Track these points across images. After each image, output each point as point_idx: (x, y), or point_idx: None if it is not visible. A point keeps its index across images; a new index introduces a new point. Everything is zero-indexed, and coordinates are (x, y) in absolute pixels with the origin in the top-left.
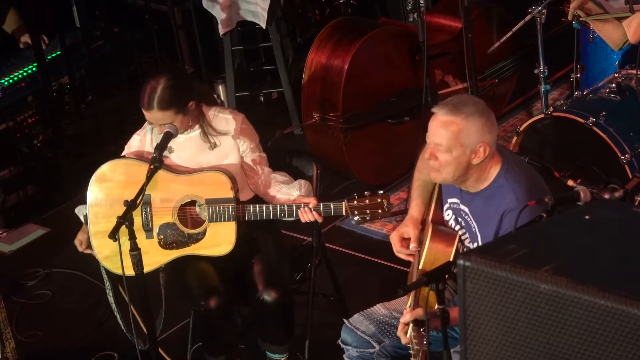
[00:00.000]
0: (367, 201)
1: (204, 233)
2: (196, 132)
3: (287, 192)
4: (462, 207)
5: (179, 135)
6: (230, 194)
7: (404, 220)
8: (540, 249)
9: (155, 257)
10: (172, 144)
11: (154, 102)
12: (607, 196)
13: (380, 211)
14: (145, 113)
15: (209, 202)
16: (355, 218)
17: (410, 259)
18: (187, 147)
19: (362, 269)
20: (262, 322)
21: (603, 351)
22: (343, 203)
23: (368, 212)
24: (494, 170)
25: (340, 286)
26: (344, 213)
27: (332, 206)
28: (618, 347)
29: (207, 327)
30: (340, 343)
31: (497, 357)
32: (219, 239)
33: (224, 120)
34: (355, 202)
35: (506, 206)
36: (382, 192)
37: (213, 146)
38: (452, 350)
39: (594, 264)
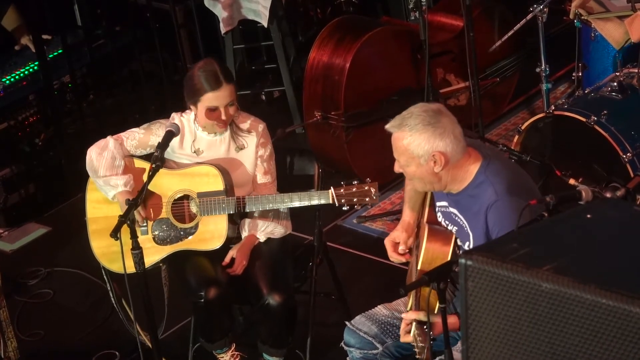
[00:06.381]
0: (354, 188)
1: (196, 227)
2: (226, 133)
3: (254, 224)
4: (450, 209)
5: (211, 135)
6: (220, 187)
7: (397, 225)
8: (542, 247)
9: (150, 253)
10: (201, 144)
11: (222, 77)
12: (608, 195)
13: (368, 199)
14: (215, 94)
15: (200, 195)
16: (344, 208)
17: (404, 259)
18: (216, 147)
19: (363, 267)
20: (264, 325)
21: (605, 350)
22: (329, 190)
23: (355, 199)
24: (474, 169)
25: (342, 285)
26: (330, 201)
27: (318, 194)
28: (620, 345)
29: (206, 317)
30: (343, 345)
31: (498, 356)
32: (211, 233)
33: (249, 124)
34: (342, 189)
35: (488, 202)
36: (369, 179)
37: (240, 148)
38: (453, 349)
39: (595, 263)
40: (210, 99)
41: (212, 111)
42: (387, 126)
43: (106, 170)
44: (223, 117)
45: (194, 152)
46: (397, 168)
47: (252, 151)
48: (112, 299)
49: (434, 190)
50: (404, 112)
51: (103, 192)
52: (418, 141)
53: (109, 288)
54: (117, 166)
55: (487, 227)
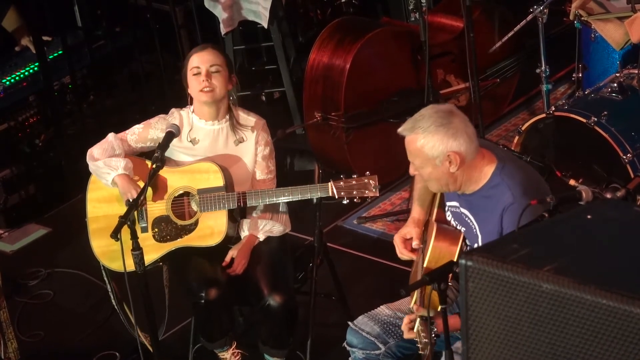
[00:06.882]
0: (353, 182)
1: (195, 224)
2: (225, 124)
3: (253, 223)
4: (461, 210)
5: (208, 122)
6: (220, 183)
7: (406, 222)
8: (542, 248)
9: (150, 251)
10: (198, 134)
11: (211, 46)
12: (609, 196)
13: (367, 191)
14: (199, 54)
15: (201, 192)
16: (344, 201)
17: (413, 256)
18: (213, 137)
19: (364, 268)
20: (264, 326)
21: (605, 350)
22: (329, 183)
23: (355, 192)
24: (489, 170)
25: (342, 286)
26: (330, 193)
27: (318, 187)
28: (620, 346)
29: (206, 317)
30: (345, 345)
31: (499, 357)
32: (210, 229)
33: (249, 120)
34: (341, 182)
35: (504, 204)
36: (369, 172)
37: (239, 141)
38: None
39: (596, 264)
40: (194, 60)
41: (195, 75)
42: (400, 130)
43: (106, 155)
44: (203, 77)
45: (190, 141)
46: (412, 171)
47: (251, 145)
48: (113, 300)
49: (449, 191)
50: (416, 115)
51: (102, 179)
52: (432, 142)
53: (109, 289)
54: (118, 154)
55: (502, 229)
